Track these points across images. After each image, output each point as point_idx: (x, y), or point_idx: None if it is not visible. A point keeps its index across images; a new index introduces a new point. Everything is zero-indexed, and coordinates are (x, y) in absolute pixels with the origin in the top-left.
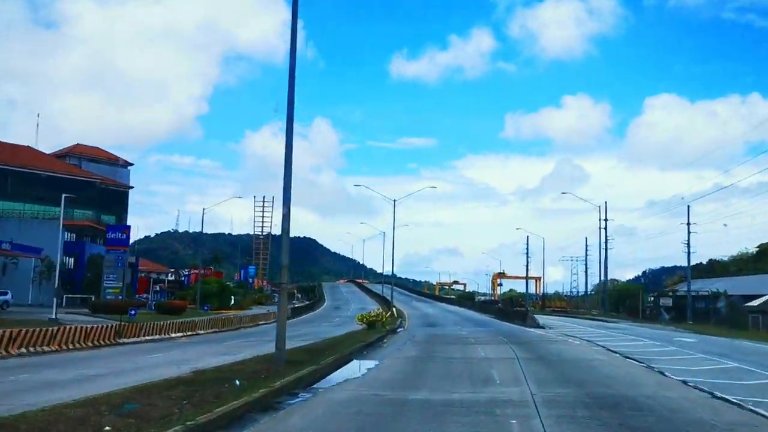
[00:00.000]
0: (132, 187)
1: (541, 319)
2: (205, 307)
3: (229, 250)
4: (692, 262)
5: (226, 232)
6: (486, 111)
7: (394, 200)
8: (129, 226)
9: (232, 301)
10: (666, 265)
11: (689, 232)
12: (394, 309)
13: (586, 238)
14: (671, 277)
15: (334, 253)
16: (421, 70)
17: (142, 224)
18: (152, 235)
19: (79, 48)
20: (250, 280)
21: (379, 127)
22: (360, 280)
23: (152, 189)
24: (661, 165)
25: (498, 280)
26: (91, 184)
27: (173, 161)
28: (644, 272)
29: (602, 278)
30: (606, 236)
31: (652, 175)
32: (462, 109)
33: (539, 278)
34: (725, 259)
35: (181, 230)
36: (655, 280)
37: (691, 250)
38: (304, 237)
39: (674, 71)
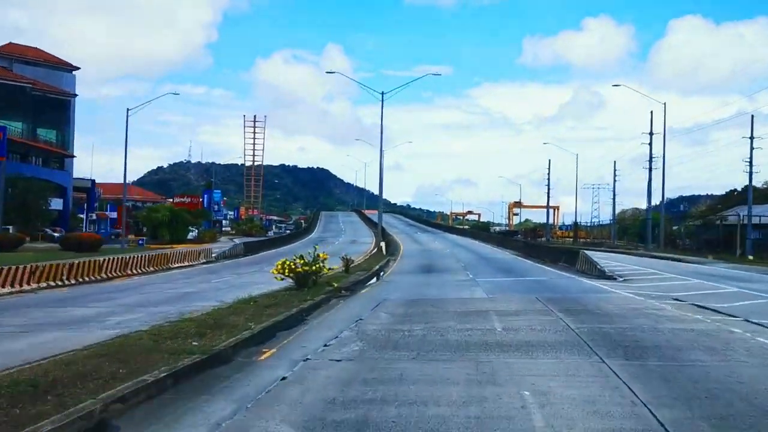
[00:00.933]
0: (76, 95)
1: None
2: (140, 242)
3: (242, 180)
4: (715, 191)
5: (239, 163)
6: (503, 36)
7: (382, 93)
8: (4, 128)
9: (190, 234)
10: (684, 194)
11: (752, 148)
12: (383, 244)
13: (614, 162)
14: (694, 205)
15: (348, 183)
16: None
17: (156, 155)
18: (165, 166)
19: None
20: (216, 207)
21: (394, 56)
22: (365, 210)
23: (165, 119)
24: (683, 90)
25: (514, 209)
26: (21, 89)
27: (185, 91)
28: (662, 201)
29: (656, 200)
30: (657, 155)
31: (673, 100)
32: (478, 35)
33: (557, 207)
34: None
35: (194, 160)
36: (673, 209)
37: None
38: (318, 167)
39: None
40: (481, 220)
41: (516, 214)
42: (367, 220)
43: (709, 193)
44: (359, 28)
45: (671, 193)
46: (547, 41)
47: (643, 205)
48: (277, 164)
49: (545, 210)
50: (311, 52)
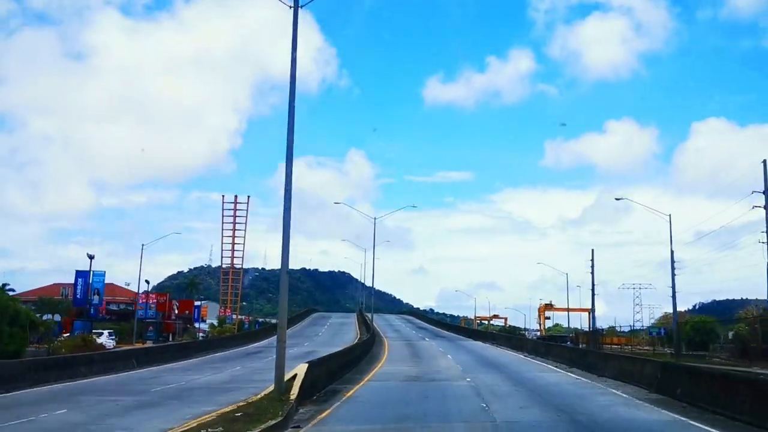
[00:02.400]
0: None
1: None
2: None
3: (264, 285)
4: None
5: (260, 267)
6: (524, 139)
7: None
8: None
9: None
10: (717, 299)
11: None
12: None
13: (672, 251)
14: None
15: (369, 287)
16: (456, 94)
17: (180, 260)
18: (185, 270)
19: (108, 79)
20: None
21: (415, 162)
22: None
23: (192, 225)
24: (708, 193)
25: (545, 313)
26: None
27: (211, 197)
28: (694, 306)
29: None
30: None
31: (700, 204)
32: (499, 138)
33: (588, 310)
34: None
35: (214, 265)
36: (711, 313)
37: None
38: (339, 271)
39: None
40: (507, 324)
41: (548, 318)
42: (365, 323)
43: (744, 297)
44: (381, 134)
45: (703, 297)
46: (569, 144)
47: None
48: (298, 268)
49: (578, 314)
50: (333, 158)
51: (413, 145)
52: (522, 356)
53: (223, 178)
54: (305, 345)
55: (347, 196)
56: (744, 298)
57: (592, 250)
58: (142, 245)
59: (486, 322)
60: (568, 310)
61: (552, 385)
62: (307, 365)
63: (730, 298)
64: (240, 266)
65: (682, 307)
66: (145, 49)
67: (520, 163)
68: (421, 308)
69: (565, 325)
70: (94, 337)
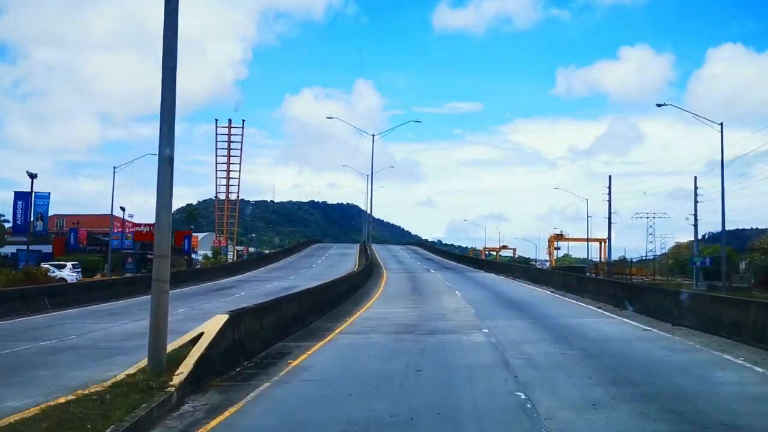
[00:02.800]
0: None
1: None
2: None
3: (273, 218)
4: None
5: (269, 200)
6: (535, 67)
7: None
8: None
9: None
10: (728, 228)
11: None
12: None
13: (695, 177)
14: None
15: (378, 219)
16: (467, 20)
17: (190, 193)
18: (195, 203)
19: (110, 7)
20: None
21: (425, 92)
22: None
23: (199, 158)
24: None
25: (555, 243)
26: None
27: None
28: (704, 236)
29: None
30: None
31: (714, 133)
32: (509, 67)
33: (603, 240)
34: None
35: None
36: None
37: None
38: (348, 203)
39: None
40: (516, 255)
41: (557, 248)
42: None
43: (756, 227)
44: (390, 64)
45: (713, 227)
46: (582, 72)
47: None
48: (306, 200)
49: (586, 244)
50: (341, 89)
51: (422, 75)
52: (548, 292)
53: (229, 110)
54: (290, 278)
55: (358, 126)
56: (755, 227)
57: (609, 177)
58: (114, 167)
59: (494, 253)
60: (587, 240)
61: (617, 342)
62: (226, 318)
63: (741, 227)
64: (236, 195)
65: (690, 238)
66: None
67: (530, 92)
68: (430, 240)
69: (575, 255)
70: (46, 269)
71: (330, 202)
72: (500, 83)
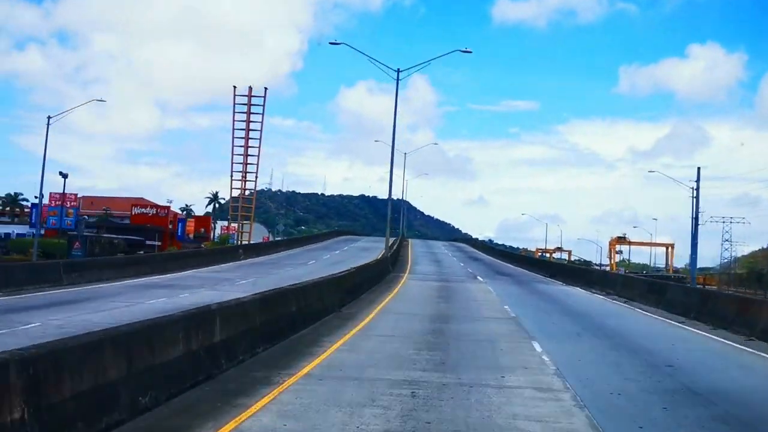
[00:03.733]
0: None
1: None
2: None
3: (323, 211)
4: None
5: (320, 192)
6: (598, 64)
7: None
8: None
9: None
10: None
11: None
12: None
13: None
14: None
15: (428, 216)
16: (528, 13)
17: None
18: (246, 193)
19: None
20: None
21: (480, 89)
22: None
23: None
24: None
25: (616, 247)
26: None
27: (274, 123)
28: None
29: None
30: None
31: None
32: (570, 64)
33: (671, 246)
34: None
35: (274, 188)
36: None
37: None
38: (398, 199)
39: None
40: (572, 257)
41: (619, 252)
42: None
43: None
44: (446, 57)
45: None
46: (646, 70)
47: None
48: (356, 194)
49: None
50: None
51: (478, 71)
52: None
53: (285, 101)
54: (271, 275)
55: (409, 122)
56: None
57: (698, 169)
58: (48, 117)
59: (548, 254)
60: (651, 244)
61: None
62: None
63: None
64: (254, 174)
65: (756, 246)
66: None
67: (590, 90)
68: (480, 238)
69: (634, 260)
70: None
71: (380, 196)
72: (559, 81)
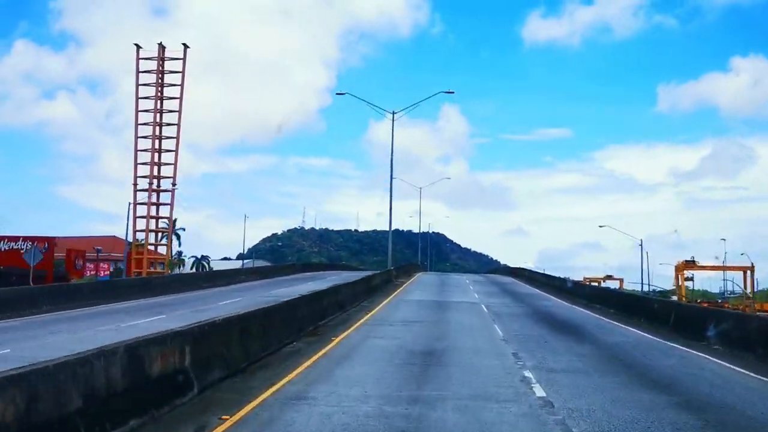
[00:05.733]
0: None
1: None
2: None
3: (357, 247)
4: None
5: (353, 229)
6: (635, 83)
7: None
8: None
9: None
10: None
11: None
12: None
13: None
14: None
15: (465, 248)
16: (560, 31)
17: (278, 225)
18: (279, 233)
19: (192, 34)
20: None
21: (511, 119)
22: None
23: (289, 190)
24: None
25: (685, 272)
26: None
27: (299, 162)
28: None
29: None
30: None
31: None
32: (605, 85)
33: (750, 268)
34: None
35: (307, 227)
36: None
37: None
38: (433, 232)
39: None
40: (623, 286)
41: (689, 278)
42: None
43: None
44: (476, 87)
45: None
46: (686, 87)
47: None
48: (390, 228)
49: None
50: (426, 113)
51: (509, 100)
52: None
53: (313, 137)
54: None
55: (442, 154)
56: None
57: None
58: None
59: (596, 283)
60: (724, 268)
61: None
62: None
63: None
64: (172, 179)
65: None
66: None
67: (626, 113)
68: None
69: (697, 287)
70: None
71: (414, 230)
72: (593, 105)
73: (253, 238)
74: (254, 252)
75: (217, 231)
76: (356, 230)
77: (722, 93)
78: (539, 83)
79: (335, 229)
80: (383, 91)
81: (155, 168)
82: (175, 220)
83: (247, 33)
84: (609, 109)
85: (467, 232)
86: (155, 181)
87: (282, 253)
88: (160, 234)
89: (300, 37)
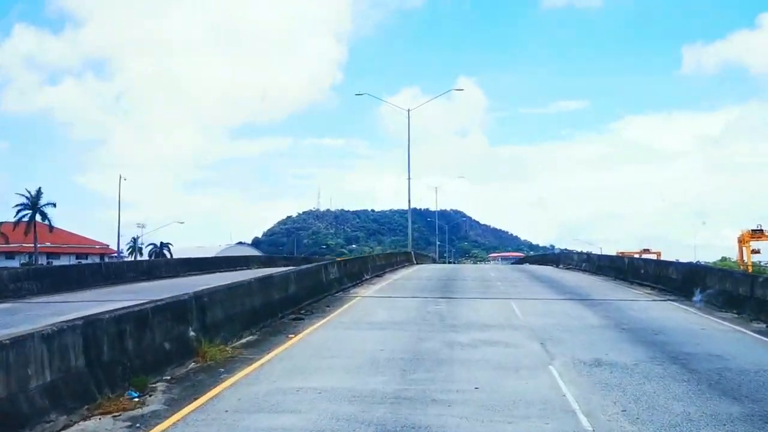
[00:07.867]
0: None
1: None
2: None
3: (374, 227)
4: None
5: (369, 209)
6: (657, 45)
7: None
8: None
9: None
10: None
11: None
12: None
13: None
14: None
15: (484, 225)
16: None
17: (292, 206)
18: (294, 215)
19: (198, 8)
20: None
21: (529, 92)
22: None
23: (302, 171)
24: None
25: (751, 243)
26: None
27: (314, 143)
28: None
29: None
30: None
31: None
32: (627, 46)
33: None
34: None
35: (322, 208)
36: None
37: None
38: (452, 210)
39: None
40: (661, 258)
41: (756, 251)
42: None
43: None
44: (493, 59)
45: None
46: (712, 47)
47: None
48: (407, 207)
49: None
50: (442, 87)
51: (527, 72)
52: None
53: (326, 115)
54: None
55: (458, 128)
56: None
57: None
58: None
59: (635, 256)
60: None
61: None
62: None
63: None
64: None
65: None
66: None
67: (650, 77)
68: (541, 244)
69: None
70: None
71: (432, 208)
72: (614, 71)
73: (270, 219)
74: (271, 234)
75: (233, 214)
76: (372, 210)
77: (750, 51)
78: (557, 51)
79: (351, 209)
80: (396, 62)
81: None
82: None
83: (258, 6)
84: (632, 71)
85: (487, 206)
86: None
87: (298, 235)
88: None
89: (313, 11)
